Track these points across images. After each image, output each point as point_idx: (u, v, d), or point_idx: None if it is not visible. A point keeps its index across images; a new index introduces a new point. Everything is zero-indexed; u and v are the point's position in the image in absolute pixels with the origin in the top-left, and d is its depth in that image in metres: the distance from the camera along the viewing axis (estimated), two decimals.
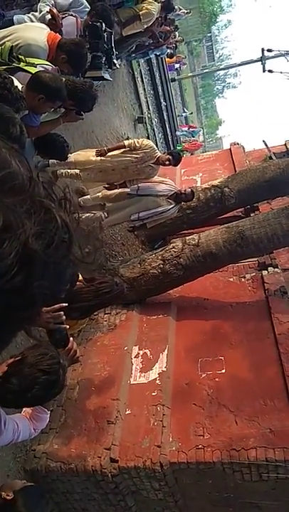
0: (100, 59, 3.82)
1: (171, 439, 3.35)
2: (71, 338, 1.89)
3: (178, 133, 15.80)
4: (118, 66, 4.60)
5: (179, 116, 16.72)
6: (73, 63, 2.99)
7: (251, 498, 3.51)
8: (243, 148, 8.23)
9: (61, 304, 1.85)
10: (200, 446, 3.27)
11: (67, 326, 1.90)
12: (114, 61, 4.19)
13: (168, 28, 7.51)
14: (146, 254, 5.06)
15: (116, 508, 3.68)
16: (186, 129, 17.74)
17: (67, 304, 1.88)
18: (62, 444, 3.40)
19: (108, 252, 5.47)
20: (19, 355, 1.55)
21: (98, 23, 3.62)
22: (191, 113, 25.87)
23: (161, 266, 4.60)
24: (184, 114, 20.30)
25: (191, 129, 17.88)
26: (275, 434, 3.21)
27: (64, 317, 1.85)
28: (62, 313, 1.84)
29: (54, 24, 3.35)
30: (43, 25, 3.09)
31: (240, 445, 3.22)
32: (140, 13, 5.23)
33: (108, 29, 3.72)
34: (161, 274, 4.59)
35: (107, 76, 4.14)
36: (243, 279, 4.99)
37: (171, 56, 12.59)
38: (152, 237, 6.34)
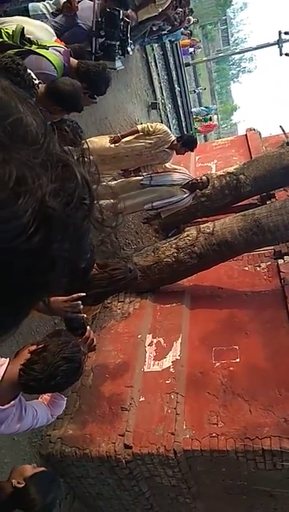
0: (114, 48, 3.75)
1: (185, 427, 3.36)
2: (88, 327, 1.89)
3: (193, 109, 15.53)
4: (131, 53, 4.51)
5: (191, 93, 16.34)
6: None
7: (265, 487, 3.52)
8: (260, 134, 8.04)
9: (79, 294, 1.85)
10: (214, 434, 3.27)
11: (85, 315, 1.89)
12: (128, 49, 4.11)
13: (183, 11, 7.31)
14: (160, 243, 5.02)
15: (130, 493, 3.73)
16: (200, 108, 17.46)
17: (84, 294, 1.87)
18: (77, 430, 3.44)
19: (122, 240, 5.45)
20: (42, 342, 1.55)
21: (116, 11, 3.54)
22: (204, 89, 25.35)
23: (175, 254, 4.57)
24: (196, 90, 19.87)
25: (205, 107, 17.61)
26: None
27: (81, 306, 1.85)
28: (80, 302, 1.84)
29: (69, 8, 3.28)
30: (51, 30, 2.99)
31: (255, 434, 3.21)
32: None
33: (126, 18, 3.63)
34: (175, 263, 4.55)
35: (119, 64, 4.06)
36: (258, 268, 4.92)
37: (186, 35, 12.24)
38: (166, 225, 6.29)
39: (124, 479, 3.53)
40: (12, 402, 1.44)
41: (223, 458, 3.25)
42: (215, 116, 19.10)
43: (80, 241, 0.44)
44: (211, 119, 16.94)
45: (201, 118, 16.11)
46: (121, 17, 3.61)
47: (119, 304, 4.68)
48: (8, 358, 1.50)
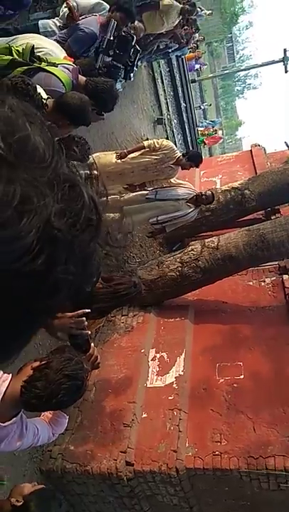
0: (118, 71, 3.82)
1: (187, 445, 3.31)
2: (92, 344, 1.88)
3: (200, 127, 15.74)
4: (132, 79, 4.59)
5: (197, 109, 16.55)
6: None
7: (268, 508, 3.44)
8: (264, 149, 8.11)
9: (84, 310, 1.85)
10: (217, 452, 3.22)
11: (89, 332, 1.88)
12: (131, 75, 4.19)
13: (190, 30, 7.46)
14: (164, 257, 5.03)
15: None
16: (206, 122, 17.71)
17: (89, 310, 1.87)
18: (78, 446, 3.40)
19: (126, 253, 5.47)
20: (44, 359, 1.53)
21: (130, 37, 3.62)
22: (210, 105, 25.66)
23: (180, 268, 4.57)
24: (202, 107, 20.13)
25: (210, 121, 17.87)
26: None
27: (86, 322, 1.84)
28: (84, 318, 1.83)
29: (71, 18, 3.37)
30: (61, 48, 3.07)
31: (258, 453, 3.15)
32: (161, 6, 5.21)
33: (137, 46, 3.71)
34: (179, 277, 4.55)
35: (118, 86, 4.12)
36: (262, 283, 4.90)
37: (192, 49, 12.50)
38: (171, 239, 6.31)
39: (125, 497, 3.47)
40: (13, 420, 1.43)
41: (226, 477, 3.19)
42: (220, 132, 19.32)
43: (86, 263, 0.43)
44: (216, 132, 17.14)
45: (206, 132, 16.30)
46: (133, 43, 3.69)
47: (123, 317, 4.67)
48: (10, 374, 1.50)
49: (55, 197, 0.38)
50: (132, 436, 3.36)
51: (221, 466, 3.15)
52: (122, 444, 3.31)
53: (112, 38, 3.53)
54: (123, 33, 3.60)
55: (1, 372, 1.45)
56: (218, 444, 3.27)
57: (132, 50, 3.77)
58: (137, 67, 4.34)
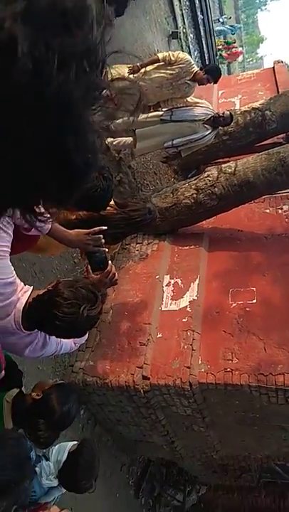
0: None
1: (200, 362, 3.49)
2: (110, 262, 1.88)
3: (216, 28, 14.45)
4: None
5: (215, 22, 15.05)
6: None
7: (276, 420, 3.69)
8: (288, 66, 7.44)
9: (101, 227, 1.83)
10: (228, 369, 3.39)
11: (107, 250, 1.88)
12: None
13: None
14: (179, 184, 4.89)
15: (147, 420, 3.99)
16: (225, 26, 16.24)
17: (106, 228, 1.85)
18: (98, 361, 3.62)
19: (140, 181, 5.33)
20: (55, 284, 1.46)
21: None
22: (230, 17, 23.28)
23: (195, 195, 4.45)
24: (221, 19, 18.28)
25: (229, 25, 16.42)
26: None
27: (103, 240, 1.83)
28: (101, 236, 1.82)
29: None
30: None
31: (268, 370, 3.30)
32: None
33: None
34: (194, 204, 4.45)
35: None
36: (280, 211, 4.79)
37: None
38: (186, 165, 6.08)
39: (142, 407, 3.76)
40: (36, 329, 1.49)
41: (236, 391, 3.40)
42: (237, 46, 17.64)
43: (78, 130, 0.37)
44: (234, 42, 15.77)
45: (223, 41, 14.98)
46: None
47: (138, 245, 4.69)
48: (31, 287, 1.52)
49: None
50: (148, 353, 3.55)
51: (232, 382, 3.34)
52: (139, 360, 3.51)
53: None
54: None
55: (22, 284, 1.48)
56: (230, 361, 3.44)
57: None
58: None
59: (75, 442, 2.03)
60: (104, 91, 0.40)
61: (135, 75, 3.78)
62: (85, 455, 1.95)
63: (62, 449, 1.95)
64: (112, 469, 4.92)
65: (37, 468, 1.81)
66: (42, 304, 1.41)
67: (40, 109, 0.33)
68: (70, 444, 2.00)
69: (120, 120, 4.21)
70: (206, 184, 4.40)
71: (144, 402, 3.64)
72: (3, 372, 1.32)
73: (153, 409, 3.77)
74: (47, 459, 1.89)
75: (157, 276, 4.21)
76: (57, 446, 1.94)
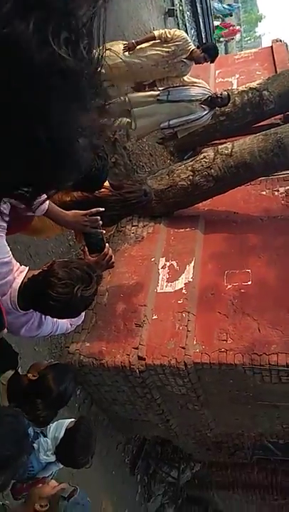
0: None
1: (195, 342, 3.53)
2: (107, 244, 1.87)
3: (215, 4, 14.10)
4: None
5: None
6: None
7: (269, 399, 3.77)
8: (287, 45, 7.30)
9: (98, 208, 1.82)
10: (223, 349, 3.44)
11: (104, 231, 1.87)
12: None
13: None
14: (175, 165, 4.84)
15: (143, 400, 4.06)
16: (223, 5, 15.87)
17: (103, 209, 1.84)
18: (94, 343, 3.66)
19: (135, 162, 5.27)
20: (50, 265, 1.46)
21: None
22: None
23: (191, 177, 4.42)
24: None
25: (227, 4, 16.07)
26: None
27: (101, 222, 1.82)
28: (98, 217, 1.81)
29: None
30: None
31: (262, 350, 3.36)
32: None
33: None
34: (190, 186, 4.42)
35: None
36: (276, 193, 4.78)
37: None
38: (182, 146, 6.02)
39: (138, 387, 3.82)
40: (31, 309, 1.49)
41: (230, 371, 3.45)
42: (234, 21, 17.21)
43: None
44: (231, 15, 15.43)
45: (220, 16, 14.63)
46: None
47: (133, 227, 4.67)
48: (28, 267, 1.52)
49: None
50: (144, 334, 3.59)
51: (226, 361, 3.39)
52: (134, 341, 3.55)
53: None
54: None
55: (18, 264, 1.48)
56: (224, 342, 3.48)
57: None
58: None
59: (73, 419, 2.07)
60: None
61: (130, 53, 3.69)
62: (82, 432, 1.99)
63: (59, 426, 1.98)
64: (108, 448, 5.02)
65: (35, 445, 1.85)
66: (37, 284, 1.41)
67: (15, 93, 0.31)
68: (68, 421, 2.04)
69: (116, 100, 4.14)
70: (202, 166, 4.36)
71: (140, 382, 3.69)
72: (5, 330, 1.32)
73: (148, 389, 3.83)
74: (45, 436, 1.92)
75: (153, 259, 4.22)
76: (54, 424, 1.98)
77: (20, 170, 0.38)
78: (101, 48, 0.35)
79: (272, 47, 7.39)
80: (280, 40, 7.66)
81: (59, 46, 0.31)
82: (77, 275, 1.41)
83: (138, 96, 4.10)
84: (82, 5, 0.32)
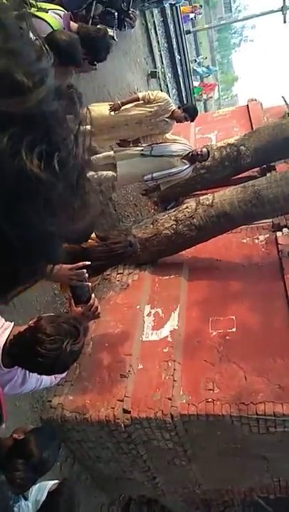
0: (113, 16, 3.62)
1: (181, 393, 3.46)
2: (93, 295, 1.90)
3: (194, 67, 15.31)
4: (126, 30, 4.31)
5: (192, 62, 15.92)
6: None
7: (258, 450, 3.66)
8: (261, 104, 7.87)
9: (84, 262, 1.86)
10: (210, 399, 3.37)
11: (90, 284, 1.90)
12: (125, 23, 3.96)
13: None
14: (159, 215, 5.00)
15: (128, 456, 3.88)
16: (202, 69, 17.24)
17: (89, 262, 1.88)
18: (77, 396, 3.54)
19: (121, 212, 5.43)
20: (37, 321, 1.46)
21: None
22: (205, 58, 24.48)
23: (174, 226, 4.56)
24: (197, 60, 19.31)
25: (206, 67, 17.46)
26: (283, 390, 3.29)
27: (86, 274, 1.86)
28: (84, 270, 1.85)
29: None
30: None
31: (249, 399, 3.31)
32: None
33: None
34: (174, 235, 4.55)
35: (114, 35, 3.91)
36: (256, 241, 4.94)
37: None
38: (165, 197, 6.24)
39: (123, 443, 3.66)
40: (16, 365, 1.47)
41: (218, 422, 3.37)
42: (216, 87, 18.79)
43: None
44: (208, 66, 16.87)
45: (200, 76, 15.94)
46: None
47: (118, 275, 4.71)
48: (12, 323, 1.52)
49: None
50: (129, 385, 3.50)
51: (213, 412, 3.32)
52: (119, 393, 3.46)
53: None
54: None
55: (3, 320, 1.48)
56: (211, 391, 3.43)
57: None
58: (134, 16, 4.10)
59: (56, 481, 1.97)
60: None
61: (116, 112, 3.94)
62: (64, 495, 1.88)
63: (41, 489, 1.88)
64: (93, 510, 4.70)
65: (15, 509, 1.74)
66: (24, 341, 1.40)
67: None
68: (50, 483, 1.94)
69: (101, 155, 4.35)
70: (185, 215, 4.52)
71: (125, 437, 3.55)
72: (3, 425, 1.29)
73: (134, 444, 3.68)
74: (26, 499, 1.82)
75: (138, 307, 4.23)
76: (37, 485, 1.88)
77: None
78: (82, 159, 0.39)
79: (248, 105, 7.94)
80: (255, 100, 8.25)
81: (31, 159, 0.34)
82: (65, 330, 1.41)
83: (123, 150, 4.31)
84: (61, 124, 0.36)
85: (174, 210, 4.79)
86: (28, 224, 0.36)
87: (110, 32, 3.82)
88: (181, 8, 12.23)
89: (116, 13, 3.73)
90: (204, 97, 16.43)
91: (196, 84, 15.70)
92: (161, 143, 4.31)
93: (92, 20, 3.61)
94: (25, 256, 0.39)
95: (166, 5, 8.89)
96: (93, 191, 0.42)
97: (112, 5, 3.60)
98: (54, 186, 0.36)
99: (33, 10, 2.51)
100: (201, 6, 18.95)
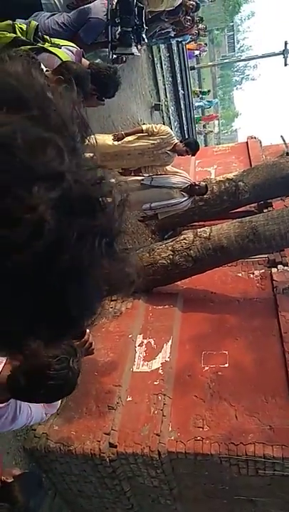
0: (129, 35, 3.75)
1: (170, 429, 3.38)
2: (87, 330, 1.87)
3: (196, 104, 15.89)
4: (146, 41, 4.45)
5: (194, 96, 16.56)
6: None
7: (246, 493, 3.54)
8: (260, 142, 8.10)
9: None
10: (199, 437, 3.29)
11: None
12: (144, 36, 4.09)
13: (192, 17, 7.32)
14: (156, 244, 5.04)
15: (111, 492, 3.73)
16: (204, 101, 17.90)
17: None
18: (63, 426, 3.44)
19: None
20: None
21: None
22: (209, 91, 25.33)
23: (171, 257, 4.58)
24: (200, 96, 20.01)
25: (207, 100, 18.15)
26: (274, 431, 3.22)
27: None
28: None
29: None
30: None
31: (239, 440, 3.23)
32: None
33: (139, 3, 3.64)
34: (170, 265, 4.57)
35: (135, 51, 4.03)
36: (251, 275, 4.96)
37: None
38: (163, 227, 6.31)
39: (107, 478, 3.53)
40: (7, 402, 1.43)
41: (206, 461, 3.27)
42: (216, 122, 19.50)
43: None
44: (209, 91, 17.50)
45: (198, 90, 16.56)
46: (135, 2, 3.61)
47: (112, 302, 4.68)
48: (5, 357, 1.49)
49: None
50: (116, 418, 3.41)
51: (202, 451, 3.23)
52: (106, 426, 3.36)
53: (114, 7, 3.49)
54: None
55: None
56: (201, 429, 3.34)
57: (136, 8, 3.69)
58: (146, 27, 4.20)
59: None
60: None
61: (119, 142, 4.03)
62: None
63: None
64: None
65: None
66: (30, 369, 1.39)
67: (49, 272, 0.37)
68: None
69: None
70: (182, 246, 4.55)
71: (110, 472, 3.43)
72: None
73: (118, 480, 3.55)
74: None
75: (130, 336, 4.18)
76: None
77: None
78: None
79: (247, 142, 8.17)
80: (255, 137, 8.50)
81: (100, 249, 0.41)
82: (66, 349, 1.43)
83: (124, 179, 4.38)
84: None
85: (171, 240, 4.83)
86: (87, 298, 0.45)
87: (131, 49, 3.94)
88: (187, 45, 12.73)
89: (133, 32, 3.86)
90: (204, 129, 17.02)
91: (197, 116, 16.25)
92: (162, 174, 4.39)
93: (111, 44, 3.75)
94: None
95: (173, 42, 9.27)
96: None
97: (126, 24, 3.73)
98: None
99: (46, 45, 2.61)
100: (206, 44, 19.76)
